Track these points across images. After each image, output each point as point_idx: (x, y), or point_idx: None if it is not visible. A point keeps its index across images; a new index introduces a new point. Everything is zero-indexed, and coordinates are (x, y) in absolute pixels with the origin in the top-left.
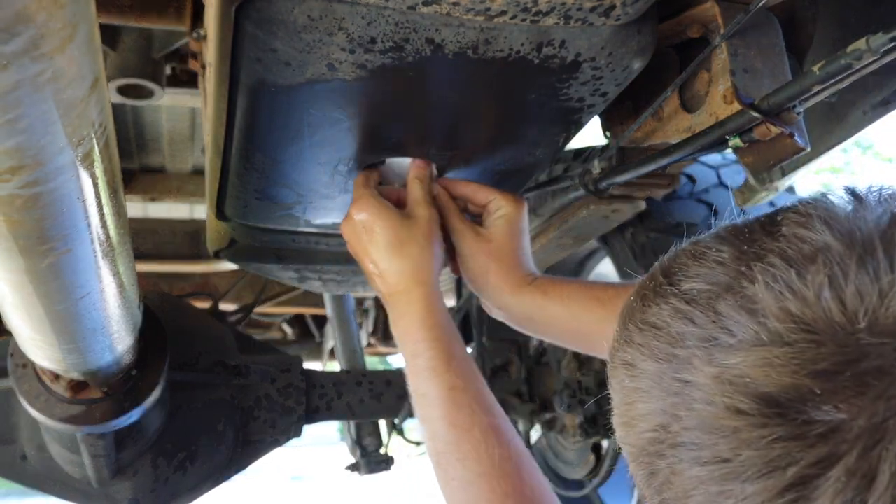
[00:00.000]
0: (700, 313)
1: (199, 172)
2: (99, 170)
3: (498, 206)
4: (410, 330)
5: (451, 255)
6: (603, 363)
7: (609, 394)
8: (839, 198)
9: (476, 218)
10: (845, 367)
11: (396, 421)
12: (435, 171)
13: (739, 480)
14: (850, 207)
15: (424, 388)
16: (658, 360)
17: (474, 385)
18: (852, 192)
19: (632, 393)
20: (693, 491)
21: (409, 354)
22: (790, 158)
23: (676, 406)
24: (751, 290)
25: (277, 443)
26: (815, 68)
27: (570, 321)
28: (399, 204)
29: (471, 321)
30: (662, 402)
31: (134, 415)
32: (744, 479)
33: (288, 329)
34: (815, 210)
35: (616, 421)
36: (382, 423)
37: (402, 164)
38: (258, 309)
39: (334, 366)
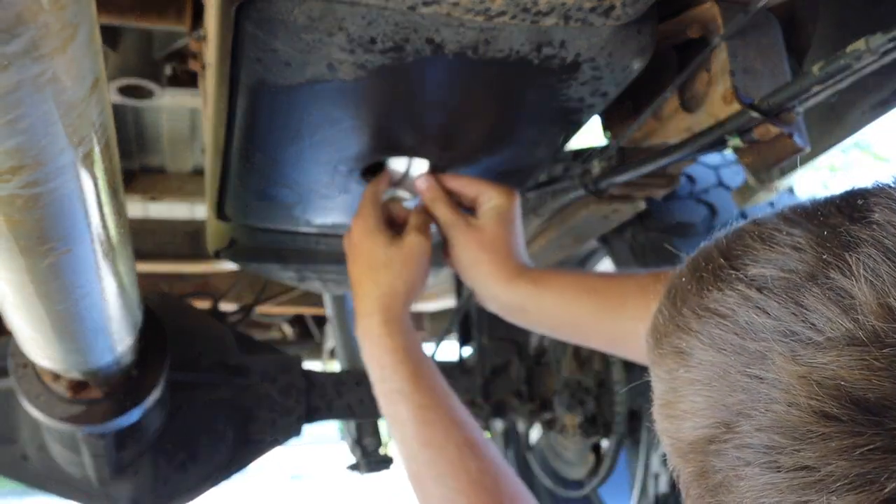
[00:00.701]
0: (777, 303)
1: (199, 172)
2: (99, 170)
3: (489, 197)
4: (375, 354)
5: (445, 247)
6: (603, 362)
7: (609, 392)
8: None
9: (469, 211)
10: None
11: None
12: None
13: (826, 492)
14: None
15: (394, 410)
16: (722, 350)
17: (445, 402)
18: None
19: (685, 384)
20: (764, 498)
21: (377, 379)
22: (790, 158)
23: (746, 404)
24: (842, 283)
25: (277, 442)
26: (815, 69)
27: (564, 312)
28: (404, 223)
29: (471, 321)
30: (727, 398)
31: (134, 414)
32: (831, 490)
33: (288, 329)
34: None
35: (660, 412)
36: (382, 423)
37: (403, 164)
38: (258, 309)
39: (334, 366)
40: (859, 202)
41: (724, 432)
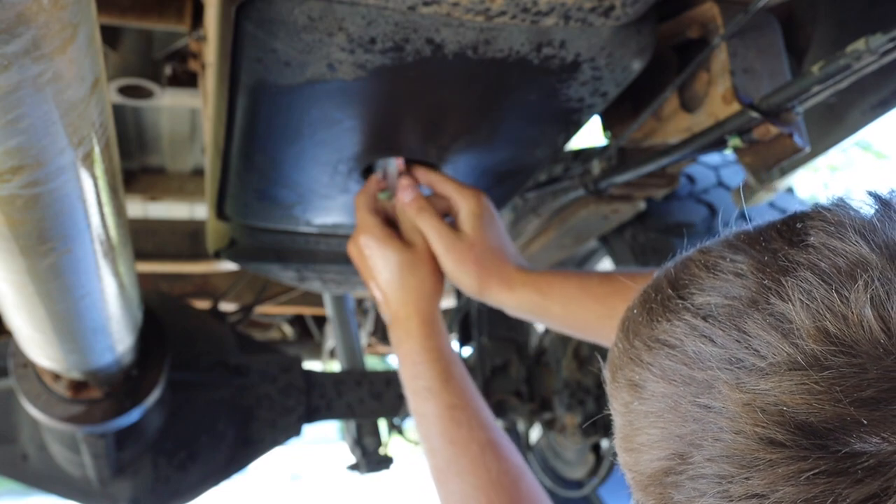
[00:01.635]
0: (721, 331)
1: (199, 172)
2: (99, 170)
3: (461, 204)
4: (411, 354)
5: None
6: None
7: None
8: (863, 203)
9: (448, 218)
10: (893, 393)
11: (396, 420)
12: (403, 166)
13: None
14: (879, 215)
15: (424, 408)
16: (672, 382)
17: (472, 403)
18: (877, 197)
19: (640, 417)
20: None
21: (409, 376)
22: (789, 158)
23: (697, 434)
24: (781, 308)
25: (277, 442)
26: (815, 69)
27: (570, 319)
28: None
29: (470, 321)
30: (679, 429)
31: (134, 414)
32: None
33: (288, 329)
34: (845, 218)
35: (620, 445)
36: (382, 423)
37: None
38: (258, 309)
39: (334, 366)
40: (798, 226)
41: (678, 464)
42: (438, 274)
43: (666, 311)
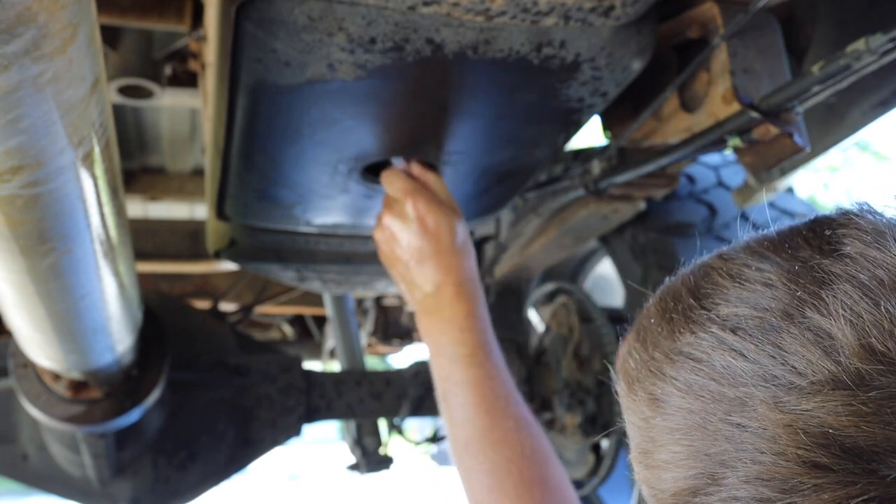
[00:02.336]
0: (753, 346)
1: (199, 172)
2: (99, 170)
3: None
4: (456, 318)
5: None
6: (603, 362)
7: (609, 392)
8: (889, 207)
9: None
10: None
11: (396, 420)
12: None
13: None
14: None
15: (462, 375)
16: (700, 398)
17: (509, 378)
18: None
19: (662, 433)
20: None
21: (452, 342)
22: (789, 158)
23: (729, 454)
24: (820, 322)
25: (277, 442)
26: (815, 69)
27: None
28: None
29: None
30: (708, 448)
31: (134, 414)
32: None
33: (288, 329)
34: (881, 226)
35: (638, 459)
36: (382, 423)
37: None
38: (258, 309)
39: (334, 366)
40: (827, 233)
41: (708, 484)
42: (461, 243)
43: (688, 322)
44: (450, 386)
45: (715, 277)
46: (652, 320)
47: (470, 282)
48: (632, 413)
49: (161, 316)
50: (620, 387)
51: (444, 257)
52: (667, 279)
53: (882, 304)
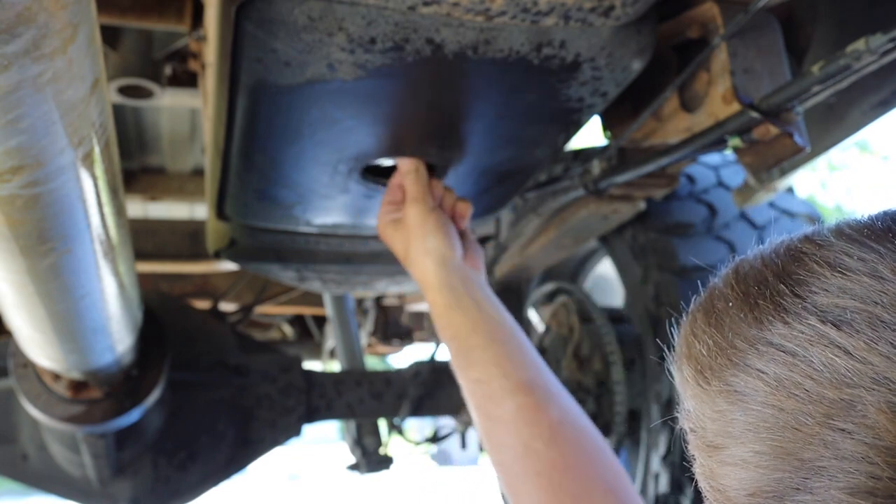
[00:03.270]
0: (863, 344)
1: (199, 172)
2: (99, 170)
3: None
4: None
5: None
6: (603, 362)
7: (609, 392)
8: None
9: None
10: None
11: (396, 421)
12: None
13: None
14: None
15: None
16: (794, 396)
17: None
18: None
19: (744, 430)
20: None
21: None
22: (789, 158)
23: (826, 460)
24: None
25: (277, 442)
26: (815, 69)
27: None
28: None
29: None
30: (799, 451)
31: (134, 414)
32: None
33: (288, 329)
34: None
35: (705, 453)
36: (382, 423)
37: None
38: (258, 309)
39: (334, 366)
40: None
41: (794, 489)
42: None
43: (778, 310)
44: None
45: (809, 264)
46: (730, 303)
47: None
48: (702, 403)
49: (161, 316)
50: (685, 372)
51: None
52: (737, 260)
53: None
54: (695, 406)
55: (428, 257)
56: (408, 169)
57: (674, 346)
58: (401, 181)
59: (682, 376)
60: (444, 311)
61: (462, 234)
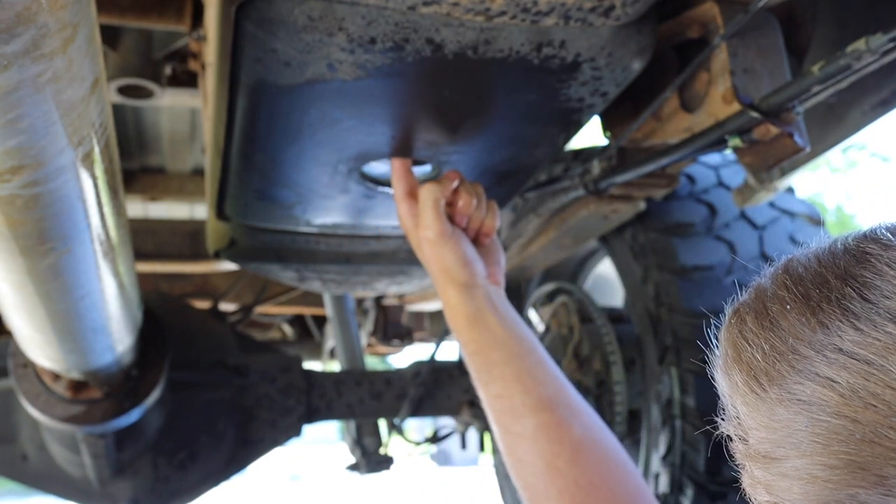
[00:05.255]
0: None
1: (199, 172)
2: (99, 170)
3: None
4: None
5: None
6: (603, 362)
7: (609, 392)
8: None
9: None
10: None
11: (396, 421)
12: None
13: None
14: None
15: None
16: (871, 407)
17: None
18: None
19: (807, 441)
20: None
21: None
22: (790, 158)
23: None
24: None
25: (277, 442)
26: (815, 68)
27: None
28: None
29: None
30: (879, 467)
31: (134, 414)
32: None
33: (288, 329)
34: None
35: (759, 463)
36: (382, 423)
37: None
38: (258, 309)
39: (334, 366)
40: None
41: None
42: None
43: (847, 315)
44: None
45: (877, 265)
46: (787, 306)
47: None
48: (753, 410)
49: (161, 316)
50: (734, 378)
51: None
52: (786, 259)
53: None
54: (747, 413)
55: (450, 286)
56: (425, 196)
57: (715, 349)
58: (405, 192)
59: (730, 382)
60: (465, 328)
61: (485, 248)
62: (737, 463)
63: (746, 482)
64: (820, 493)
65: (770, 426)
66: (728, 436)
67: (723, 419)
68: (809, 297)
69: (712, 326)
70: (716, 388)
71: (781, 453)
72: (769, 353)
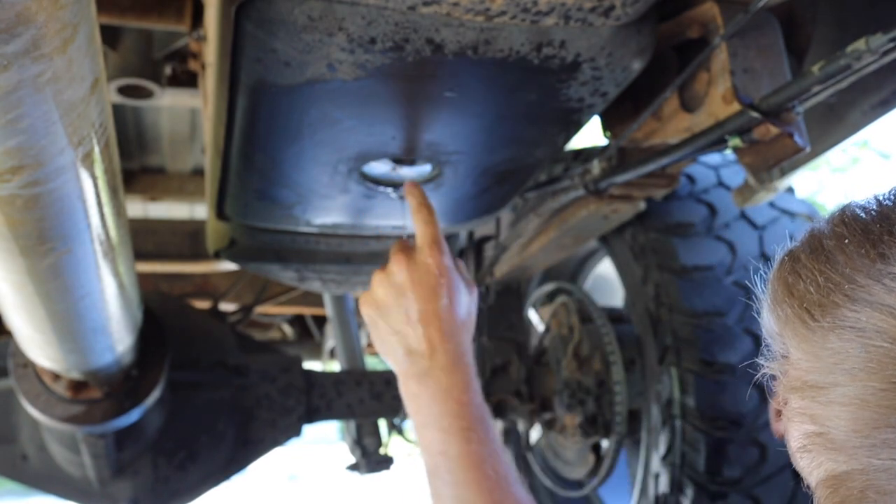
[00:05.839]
0: None
1: (199, 172)
2: (99, 170)
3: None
4: (454, 390)
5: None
6: (603, 362)
7: (609, 392)
8: None
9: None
10: None
11: (396, 421)
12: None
13: None
14: None
15: (458, 449)
16: None
17: (509, 458)
18: None
19: (860, 367)
20: None
21: (445, 413)
22: (790, 158)
23: None
24: None
25: (277, 442)
26: (815, 68)
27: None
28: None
29: None
30: None
31: (134, 414)
32: None
33: (288, 329)
34: None
35: (804, 393)
36: (382, 423)
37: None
38: (258, 309)
39: (334, 366)
40: None
41: None
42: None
43: None
44: (443, 461)
45: None
46: (845, 240)
47: (468, 353)
48: (802, 342)
49: (161, 316)
50: (784, 312)
51: (448, 323)
52: (843, 205)
53: None
54: (795, 345)
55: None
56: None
57: (763, 293)
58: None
59: (779, 317)
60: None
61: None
62: (780, 400)
63: (787, 417)
64: (870, 418)
65: (820, 355)
66: (771, 375)
67: (764, 362)
68: (869, 231)
69: (761, 272)
70: (716, 387)
71: (831, 380)
72: (824, 285)
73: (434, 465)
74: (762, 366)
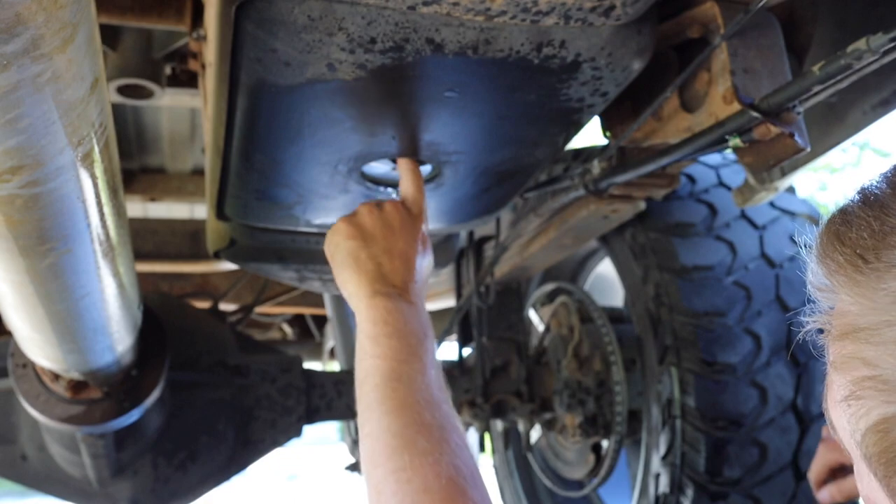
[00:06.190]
0: None
1: (199, 172)
2: (99, 170)
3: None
4: (420, 312)
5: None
6: (603, 362)
7: (609, 392)
8: None
9: None
10: None
11: None
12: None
13: None
14: None
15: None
16: None
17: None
18: None
19: None
20: None
21: (407, 321)
22: (790, 158)
23: None
24: None
25: (277, 443)
26: (815, 68)
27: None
28: None
29: (471, 321)
30: None
31: (134, 414)
32: None
33: (288, 329)
34: None
35: (855, 337)
36: None
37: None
38: (258, 309)
39: (334, 366)
40: None
41: None
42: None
43: None
44: (397, 372)
45: None
46: (890, 189)
47: (426, 311)
48: (854, 286)
49: (161, 316)
50: (835, 261)
51: (419, 273)
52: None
53: None
54: (847, 291)
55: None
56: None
57: (809, 251)
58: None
59: (828, 267)
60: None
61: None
62: (823, 353)
63: (835, 366)
64: None
65: (873, 297)
66: (818, 329)
67: (808, 319)
68: None
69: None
70: (716, 387)
71: (886, 319)
72: (879, 229)
73: (389, 370)
74: (805, 322)
